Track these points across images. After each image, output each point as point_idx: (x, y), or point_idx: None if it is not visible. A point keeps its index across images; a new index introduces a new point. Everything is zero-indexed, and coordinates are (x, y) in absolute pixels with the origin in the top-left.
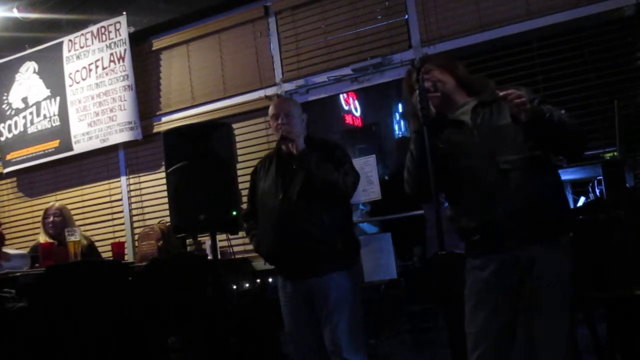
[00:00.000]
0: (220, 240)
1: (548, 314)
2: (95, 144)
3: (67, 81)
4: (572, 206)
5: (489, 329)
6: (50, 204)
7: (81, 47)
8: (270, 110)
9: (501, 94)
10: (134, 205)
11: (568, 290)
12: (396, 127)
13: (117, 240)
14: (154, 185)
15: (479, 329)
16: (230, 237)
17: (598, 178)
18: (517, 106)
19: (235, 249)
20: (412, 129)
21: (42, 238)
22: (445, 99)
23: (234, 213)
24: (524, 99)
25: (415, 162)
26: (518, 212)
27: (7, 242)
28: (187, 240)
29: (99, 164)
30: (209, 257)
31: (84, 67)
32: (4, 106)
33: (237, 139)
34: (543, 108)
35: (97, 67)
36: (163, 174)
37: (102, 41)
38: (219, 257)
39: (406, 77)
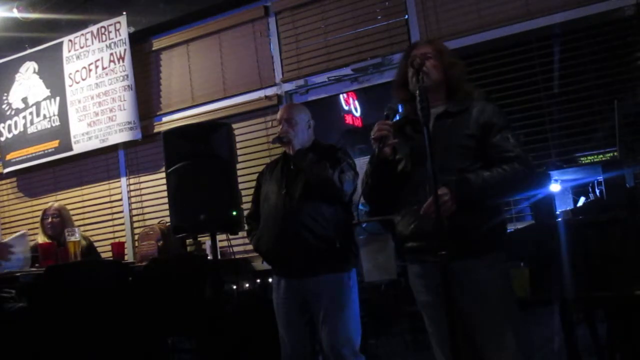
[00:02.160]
0: (220, 240)
1: (482, 328)
2: (94, 144)
3: (67, 81)
4: (505, 226)
5: (434, 331)
6: (49, 204)
7: (81, 47)
8: (277, 115)
9: (423, 209)
10: (134, 206)
11: (498, 304)
12: None
13: (117, 240)
14: (154, 185)
15: (430, 330)
16: (230, 237)
17: (598, 178)
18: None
19: (235, 249)
20: (373, 158)
21: (41, 239)
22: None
23: (234, 213)
24: (441, 207)
25: (370, 186)
26: (443, 228)
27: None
28: (187, 240)
29: (99, 164)
30: (209, 257)
31: (84, 67)
32: (4, 106)
33: (237, 139)
34: (468, 182)
35: (97, 67)
36: (163, 174)
37: (102, 41)
38: (219, 257)
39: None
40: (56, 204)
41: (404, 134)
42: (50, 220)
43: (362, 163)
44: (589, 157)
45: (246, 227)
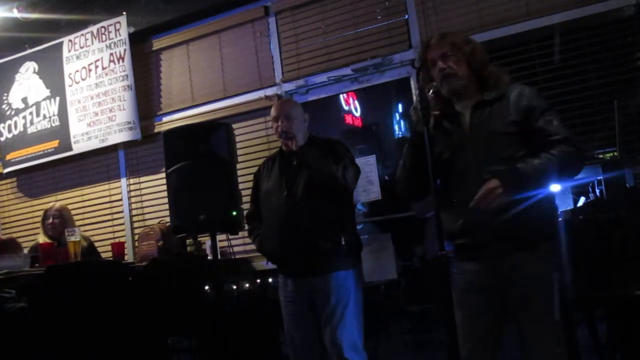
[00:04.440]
0: (220, 240)
1: (533, 322)
2: (94, 144)
3: (67, 81)
4: (557, 213)
5: (471, 330)
6: (50, 204)
7: (81, 47)
8: (272, 112)
9: (474, 202)
10: (134, 206)
11: (552, 296)
12: (396, 127)
13: (117, 240)
14: (154, 186)
15: (463, 330)
16: (230, 237)
17: (598, 178)
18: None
19: (235, 249)
20: (410, 134)
21: (42, 239)
22: (453, 93)
23: (234, 213)
24: (494, 201)
25: (407, 170)
26: (495, 221)
27: None
28: (187, 240)
29: (99, 164)
30: (209, 257)
31: (84, 67)
32: (4, 106)
33: (237, 139)
34: (519, 172)
35: (96, 67)
36: (163, 174)
37: (102, 41)
38: (219, 257)
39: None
40: (57, 204)
41: (442, 128)
42: (51, 220)
43: (362, 163)
44: None
45: (247, 227)
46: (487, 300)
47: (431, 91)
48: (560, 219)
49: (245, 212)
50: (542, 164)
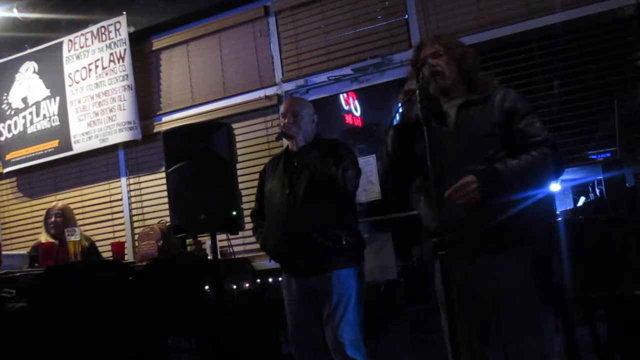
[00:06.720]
0: (220, 240)
1: (511, 323)
2: (94, 144)
3: (67, 81)
4: (540, 217)
5: (451, 330)
6: (53, 203)
7: (81, 47)
8: (281, 109)
9: (447, 193)
10: (134, 205)
11: (528, 298)
12: None
13: (117, 240)
14: (154, 185)
15: (446, 330)
16: (230, 237)
17: (598, 178)
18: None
19: (235, 249)
20: (398, 120)
21: (44, 238)
22: (440, 91)
23: (234, 213)
24: (467, 195)
25: (389, 156)
26: (470, 222)
27: (7, 242)
28: (187, 240)
29: (99, 164)
30: (209, 257)
31: (84, 67)
32: (3, 106)
33: (237, 139)
34: (496, 170)
35: (96, 67)
36: (163, 174)
37: (102, 41)
38: (219, 257)
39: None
40: (60, 204)
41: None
42: (53, 219)
43: (362, 163)
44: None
45: (252, 225)
46: (463, 301)
47: (417, 92)
48: (560, 219)
49: (247, 211)
50: (519, 164)
